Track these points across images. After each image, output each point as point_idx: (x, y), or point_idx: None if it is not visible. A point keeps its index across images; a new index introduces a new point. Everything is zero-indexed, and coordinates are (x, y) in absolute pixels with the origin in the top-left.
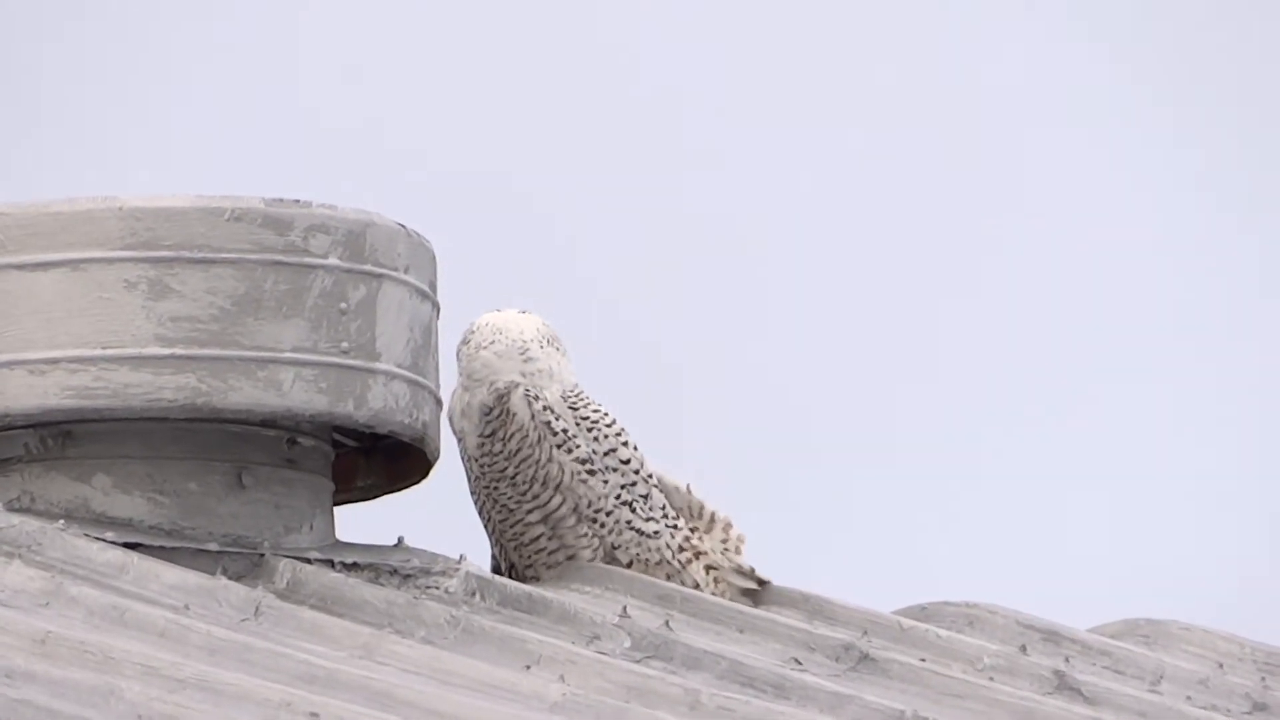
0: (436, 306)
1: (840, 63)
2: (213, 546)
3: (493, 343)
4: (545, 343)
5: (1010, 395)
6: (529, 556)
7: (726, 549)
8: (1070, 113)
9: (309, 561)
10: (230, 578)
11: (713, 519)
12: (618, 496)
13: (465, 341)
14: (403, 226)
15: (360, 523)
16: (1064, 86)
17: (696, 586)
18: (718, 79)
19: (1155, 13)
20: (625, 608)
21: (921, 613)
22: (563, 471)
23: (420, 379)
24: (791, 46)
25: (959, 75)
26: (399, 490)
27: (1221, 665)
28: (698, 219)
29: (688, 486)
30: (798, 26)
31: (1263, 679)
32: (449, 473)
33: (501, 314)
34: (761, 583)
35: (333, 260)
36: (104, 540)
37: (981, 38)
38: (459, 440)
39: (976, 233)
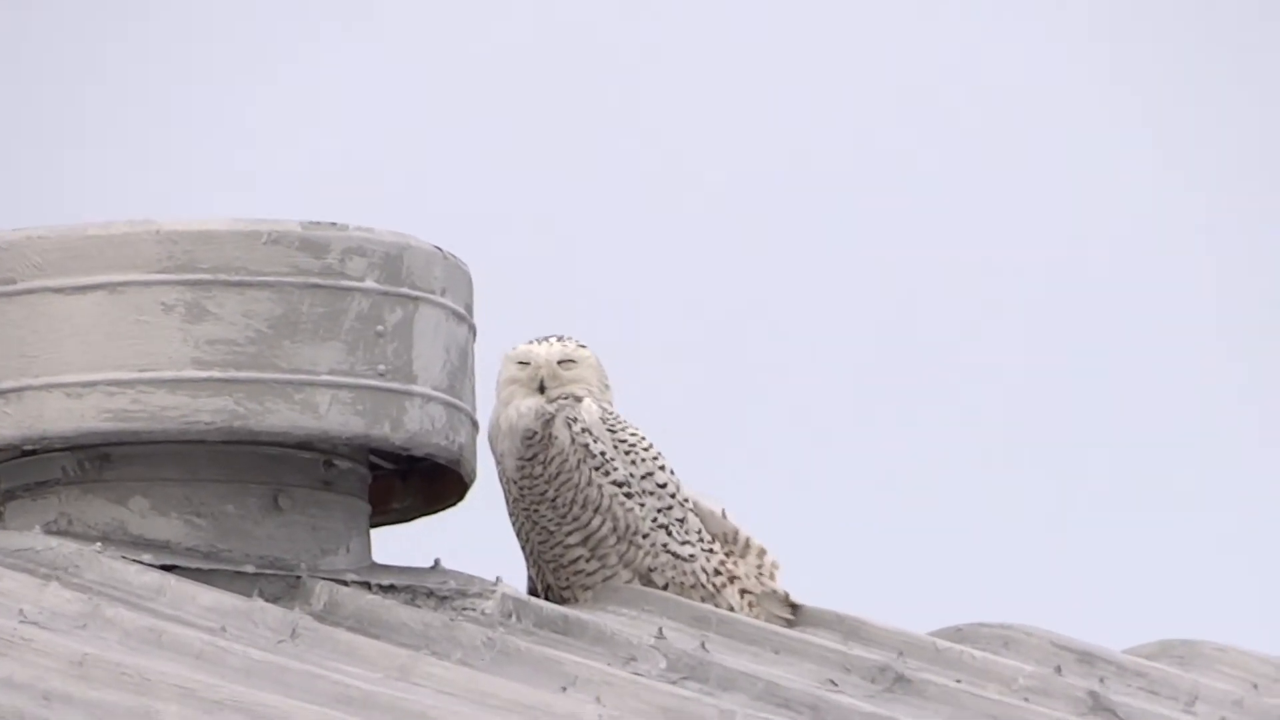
0: (473, 329)
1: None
2: (249, 569)
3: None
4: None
5: (1041, 411)
6: (567, 578)
7: (761, 575)
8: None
9: (345, 583)
10: (267, 600)
11: (747, 545)
12: (654, 519)
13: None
14: (439, 249)
15: (397, 545)
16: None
17: (731, 610)
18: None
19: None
20: (661, 629)
21: (957, 634)
22: (602, 494)
23: (457, 401)
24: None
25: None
26: (435, 512)
27: (1256, 686)
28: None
29: (723, 511)
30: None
31: None
32: (485, 494)
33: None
34: (795, 608)
35: (369, 283)
36: (141, 562)
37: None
38: (498, 462)
39: (997, 246)
